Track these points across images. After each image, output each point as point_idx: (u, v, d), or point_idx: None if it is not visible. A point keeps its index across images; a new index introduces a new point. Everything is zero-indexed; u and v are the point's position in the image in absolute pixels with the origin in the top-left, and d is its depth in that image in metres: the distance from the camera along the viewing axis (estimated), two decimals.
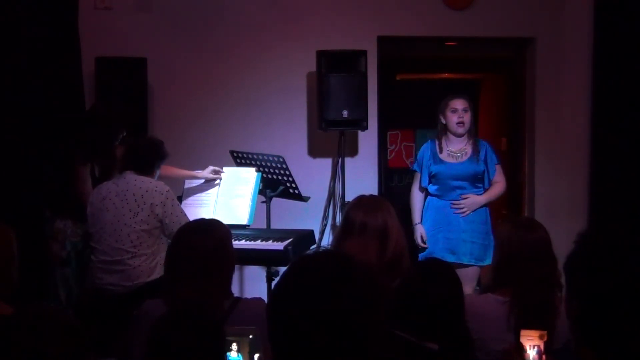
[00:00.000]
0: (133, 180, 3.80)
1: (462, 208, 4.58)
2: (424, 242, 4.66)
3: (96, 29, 5.16)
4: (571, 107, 5.73)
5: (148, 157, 3.96)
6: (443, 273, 2.39)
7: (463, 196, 4.59)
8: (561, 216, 5.44)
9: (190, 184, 4.50)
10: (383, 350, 1.42)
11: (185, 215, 3.82)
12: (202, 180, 4.46)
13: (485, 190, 4.68)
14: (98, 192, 3.90)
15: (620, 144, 5.55)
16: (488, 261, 4.59)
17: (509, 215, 5.88)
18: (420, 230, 4.68)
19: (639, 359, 1.48)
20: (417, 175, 4.76)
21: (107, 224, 3.77)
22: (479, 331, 2.57)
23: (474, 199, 4.59)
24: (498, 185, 4.70)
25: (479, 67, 7.10)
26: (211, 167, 4.45)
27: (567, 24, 5.70)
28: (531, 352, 2.19)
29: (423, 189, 4.74)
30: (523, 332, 2.23)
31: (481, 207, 4.64)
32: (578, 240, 1.65)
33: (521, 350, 2.20)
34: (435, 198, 4.68)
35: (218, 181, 4.44)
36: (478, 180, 4.64)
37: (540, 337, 2.20)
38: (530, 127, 5.83)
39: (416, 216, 4.72)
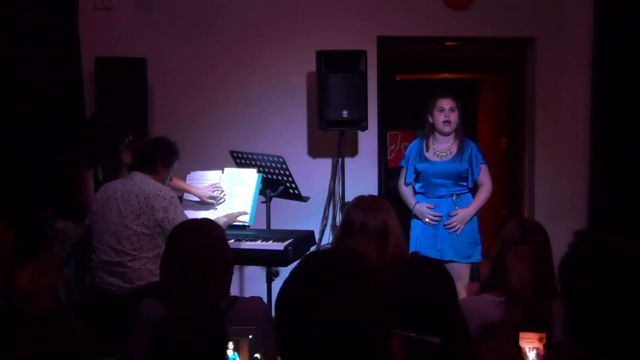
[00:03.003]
0: (139, 182, 3.76)
1: (454, 226, 4.60)
2: (433, 216, 4.62)
3: (96, 29, 5.16)
4: (571, 107, 5.73)
5: (149, 154, 3.89)
6: (432, 270, 2.38)
7: (452, 214, 4.61)
8: (561, 216, 5.44)
9: (188, 195, 4.45)
10: (387, 348, 1.43)
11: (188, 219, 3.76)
12: (194, 198, 4.39)
13: (470, 190, 4.73)
14: (104, 190, 3.86)
15: (620, 144, 5.55)
16: (474, 259, 4.65)
17: (511, 215, 5.88)
18: (422, 208, 4.65)
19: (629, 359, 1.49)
20: (403, 171, 4.82)
21: (110, 224, 3.75)
22: (475, 332, 2.57)
23: (463, 213, 4.62)
24: (484, 190, 4.71)
25: (479, 67, 7.12)
26: (211, 189, 4.34)
27: (567, 24, 5.70)
28: (530, 355, 2.19)
29: (408, 185, 4.79)
30: (522, 335, 2.23)
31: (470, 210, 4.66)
32: (571, 243, 1.66)
33: (519, 351, 2.20)
34: (420, 196, 4.74)
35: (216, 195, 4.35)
36: (462, 179, 4.68)
37: (540, 340, 2.20)
38: (530, 127, 5.83)
39: (411, 199, 4.73)
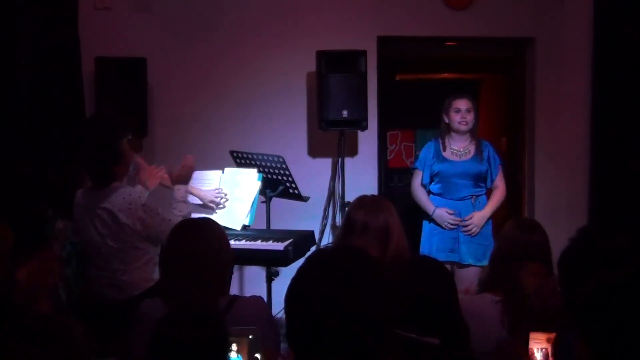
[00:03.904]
0: (107, 196, 3.49)
1: (471, 229, 4.54)
2: (454, 220, 4.55)
3: (96, 29, 5.16)
4: (571, 107, 5.73)
5: (97, 167, 3.52)
6: (433, 270, 2.39)
7: (466, 218, 4.55)
8: (561, 216, 5.44)
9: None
10: (390, 347, 1.45)
11: (168, 219, 3.50)
12: (196, 200, 4.24)
13: (487, 191, 4.68)
14: (77, 202, 3.65)
15: (620, 144, 5.55)
16: (487, 261, 4.58)
17: (511, 215, 5.88)
18: (443, 213, 4.56)
19: (631, 352, 1.49)
20: (418, 173, 4.69)
21: (91, 241, 3.56)
22: (476, 331, 2.57)
23: (480, 216, 4.55)
24: (499, 192, 4.66)
25: (479, 67, 7.12)
26: (215, 194, 4.22)
27: (567, 24, 5.70)
28: (538, 355, 2.19)
29: (424, 186, 4.69)
30: (532, 335, 2.22)
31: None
32: (572, 238, 1.67)
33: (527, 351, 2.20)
34: (437, 197, 4.64)
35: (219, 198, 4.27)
36: (481, 180, 4.61)
37: (548, 341, 2.20)
38: (530, 127, 5.83)
39: (429, 205, 4.61)
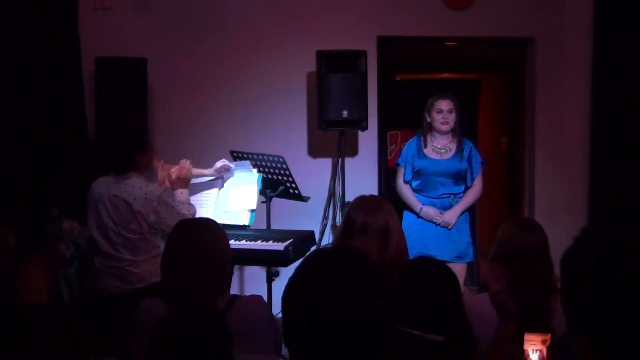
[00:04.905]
0: (123, 185, 3.60)
1: (446, 226, 4.61)
2: (440, 217, 4.62)
3: (96, 29, 5.16)
4: (571, 106, 5.73)
5: (122, 151, 3.61)
6: (437, 271, 2.39)
7: (437, 218, 4.60)
8: (561, 216, 5.45)
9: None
10: (391, 346, 1.45)
11: (182, 214, 3.66)
12: (203, 179, 4.34)
13: (464, 191, 4.71)
14: (92, 191, 3.71)
15: (620, 144, 5.55)
16: (468, 259, 4.67)
17: (511, 214, 5.89)
18: (430, 211, 4.61)
19: (634, 349, 1.50)
20: (401, 169, 4.75)
21: (103, 230, 3.64)
22: (476, 331, 2.58)
23: (451, 214, 4.61)
24: (474, 190, 4.70)
25: (479, 67, 7.12)
26: (222, 162, 4.27)
27: (567, 24, 5.70)
28: (533, 357, 2.18)
29: (407, 183, 4.74)
30: (526, 336, 2.22)
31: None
32: (578, 236, 1.66)
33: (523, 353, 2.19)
34: (416, 194, 4.70)
35: (225, 177, 4.30)
36: (460, 178, 4.68)
37: (543, 342, 2.19)
38: (530, 127, 5.83)
39: (415, 202, 4.66)
